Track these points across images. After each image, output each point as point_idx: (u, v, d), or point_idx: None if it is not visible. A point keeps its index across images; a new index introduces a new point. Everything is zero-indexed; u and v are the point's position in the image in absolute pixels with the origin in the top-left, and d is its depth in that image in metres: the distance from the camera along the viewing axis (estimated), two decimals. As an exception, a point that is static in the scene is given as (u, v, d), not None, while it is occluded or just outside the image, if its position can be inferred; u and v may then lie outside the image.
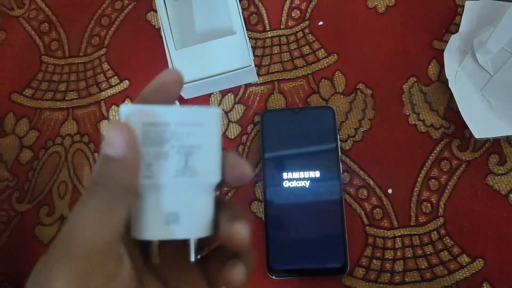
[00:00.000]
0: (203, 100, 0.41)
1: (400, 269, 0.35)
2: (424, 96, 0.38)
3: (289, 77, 0.40)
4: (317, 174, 0.36)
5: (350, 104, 0.39)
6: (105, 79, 0.43)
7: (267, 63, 0.41)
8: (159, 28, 0.43)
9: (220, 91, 0.41)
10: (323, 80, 0.40)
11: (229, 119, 0.40)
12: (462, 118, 0.33)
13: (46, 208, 0.41)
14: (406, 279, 0.34)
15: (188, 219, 0.19)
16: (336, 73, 0.40)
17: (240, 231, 0.19)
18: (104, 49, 0.44)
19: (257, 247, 0.36)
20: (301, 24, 0.41)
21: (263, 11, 0.42)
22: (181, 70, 0.21)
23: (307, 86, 0.40)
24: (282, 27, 0.42)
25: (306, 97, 0.39)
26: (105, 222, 0.16)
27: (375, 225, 0.36)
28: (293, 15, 0.42)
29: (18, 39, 0.46)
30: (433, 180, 0.36)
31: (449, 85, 0.35)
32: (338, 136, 0.37)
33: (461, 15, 0.36)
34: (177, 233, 0.19)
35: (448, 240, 0.35)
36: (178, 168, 0.18)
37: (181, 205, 0.19)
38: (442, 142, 0.37)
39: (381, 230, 0.36)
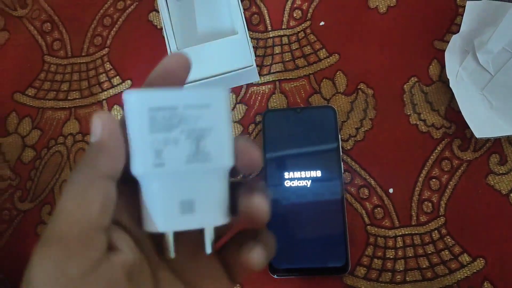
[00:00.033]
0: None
1: (401, 268, 0.35)
2: (425, 96, 0.38)
3: (291, 77, 0.40)
4: (318, 173, 0.36)
5: (351, 104, 0.39)
6: (107, 79, 0.44)
7: (268, 63, 0.41)
8: (161, 28, 0.44)
9: (222, 91, 0.41)
10: (324, 80, 0.40)
11: (230, 118, 0.40)
12: (463, 118, 0.34)
13: (48, 207, 0.41)
14: (407, 278, 0.34)
15: (204, 207, 0.18)
16: (338, 73, 0.40)
17: (259, 204, 0.18)
18: (106, 49, 0.44)
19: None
20: (303, 24, 0.42)
21: (265, 12, 0.43)
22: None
23: (309, 86, 0.40)
24: (283, 27, 0.42)
25: (308, 97, 0.40)
26: (81, 208, 0.16)
27: (376, 224, 0.36)
28: (294, 15, 0.42)
29: (20, 39, 0.46)
30: (434, 180, 0.36)
31: (450, 85, 0.35)
32: (339, 135, 0.37)
33: (462, 15, 0.36)
34: (193, 222, 0.18)
35: (449, 240, 0.35)
36: (190, 153, 0.17)
37: (195, 192, 0.18)
38: (443, 142, 0.37)
39: (382, 230, 0.36)
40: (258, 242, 0.19)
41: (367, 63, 0.39)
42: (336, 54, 0.40)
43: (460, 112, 0.34)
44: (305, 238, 0.35)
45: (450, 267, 0.34)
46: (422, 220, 0.35)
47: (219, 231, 0.20)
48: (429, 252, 0.35)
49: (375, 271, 0.35)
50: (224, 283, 0.20)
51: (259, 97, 0.40)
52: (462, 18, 0.36)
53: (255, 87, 0.41)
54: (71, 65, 0.45)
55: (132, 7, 0.45)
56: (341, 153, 0.37)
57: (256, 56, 0.41)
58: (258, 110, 0.40)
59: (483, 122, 0.34)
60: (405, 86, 0.38)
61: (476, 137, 0.33)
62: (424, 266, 0.34)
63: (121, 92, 0.43)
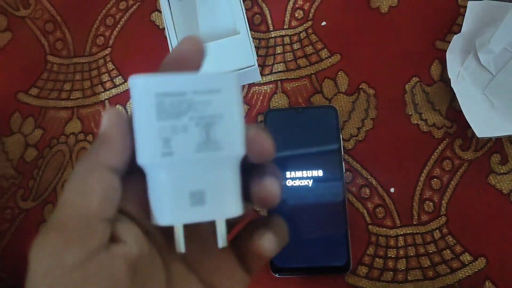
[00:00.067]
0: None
1: (402, 268, 0.35)
2: (427, 96, 0.38)
3: (292, 76, 0.41)
4: (320, 173, 0.36)
5: (353, 103, 0.39)
6: (109, 78, 0.44)
7: (270, 63, 0.41)
8: (164, 28, 0.44)
9: (224, 91, 0.41)
10: (326, 80, 0.40)
11: (232, 118, 0.40)
12: (464, 117, 0.34)
13: (50, 206, 0.41)
14: (408, 278, 0.35)
15: (215, 198, 0.17)
16: (339, 73, 0.40)
17: (270, 187, 0.17)
18: (108, 49, 0.44)
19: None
20: (304, 24, 0.42)
21: (267, 12, 0.43)
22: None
23: (310, 86, 0.40)
24: (285, 27, 0.42)
25: (309, 97, 0.40)
26: (81, 199, 0.16)
27: (378, 224, 0.36)
28: (296, 15, 0.42)
29: (23, 39, 0.46)
30: (435, 179, 0.36)
31: (452, 85, 0.35)
32: (341, 135, 0.37)
33: (464, 15, 0.36)
34: (203, 214, 0.17)
35: (450, 239, 0.35)
36: (199, 141, 0.17)
37: (205, 182, 0.17)
38: (444, 141, 0.37)
39: (384, 229, 0.36)
40: (268, 229, 0.18)
41: (368, 63, 0.40)
42: (338, 54, 0.40)
43: (461, 112, 0.34)
44: (307, 238, 0.35)
45: (451, 266, 0.34)
46: (424, 219, 0.35)
47: (231, 222, 0.19)
48: (431, 251, 0.35)
49: (376, 270, 0.35)
50: (239, 275, 0.20)
51: (261, 97, 0.41)
52: (463, 18, 0.36)
53: (257, 87, 0.41)
54: (73, 64, 0.45)
55: (134, 7, 0.45)
56: (342, 153, 0.37)
57: (258, 56, 0.42)
58: (260, 109, 0.40)
59: (484, 121, 0.34)
60: (406, 86, 0.38)
61: (477, 137, 0.33)
62: (426, 266, 0.35)
63: (123, 92, 0.43)
